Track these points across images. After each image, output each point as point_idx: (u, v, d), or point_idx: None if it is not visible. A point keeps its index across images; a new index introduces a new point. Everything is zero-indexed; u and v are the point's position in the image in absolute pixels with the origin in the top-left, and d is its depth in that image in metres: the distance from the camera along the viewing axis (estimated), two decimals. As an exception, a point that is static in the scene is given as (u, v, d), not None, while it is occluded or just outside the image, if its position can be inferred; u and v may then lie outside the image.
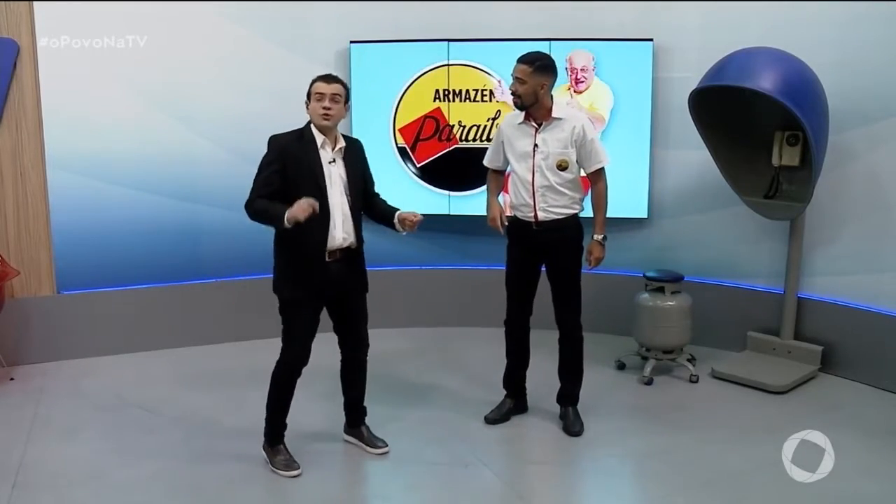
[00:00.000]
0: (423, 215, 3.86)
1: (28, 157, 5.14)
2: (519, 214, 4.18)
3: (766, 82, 4.45)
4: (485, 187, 4.41)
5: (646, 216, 5.59)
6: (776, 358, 5.10)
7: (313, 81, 3.75)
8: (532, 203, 4.09)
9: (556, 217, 4.10)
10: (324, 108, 3.67)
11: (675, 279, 5.02)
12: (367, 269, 3.98)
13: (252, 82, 5.46)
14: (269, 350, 3.98)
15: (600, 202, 4.17)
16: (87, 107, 5.20)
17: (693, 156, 5.29)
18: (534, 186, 4.07)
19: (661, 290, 5.00)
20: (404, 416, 4.49)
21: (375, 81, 5.64)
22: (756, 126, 4.97)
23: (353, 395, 4.12)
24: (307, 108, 3.75)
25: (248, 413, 4.20)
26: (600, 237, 4.17)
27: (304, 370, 3.83)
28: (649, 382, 4.92)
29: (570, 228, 4.15)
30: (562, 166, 4.05)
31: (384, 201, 4.00)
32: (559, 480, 3.95)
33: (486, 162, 4.33)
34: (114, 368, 5.22)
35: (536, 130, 4.07)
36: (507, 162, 4.24)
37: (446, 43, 5.55)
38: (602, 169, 4.14)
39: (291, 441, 3.98)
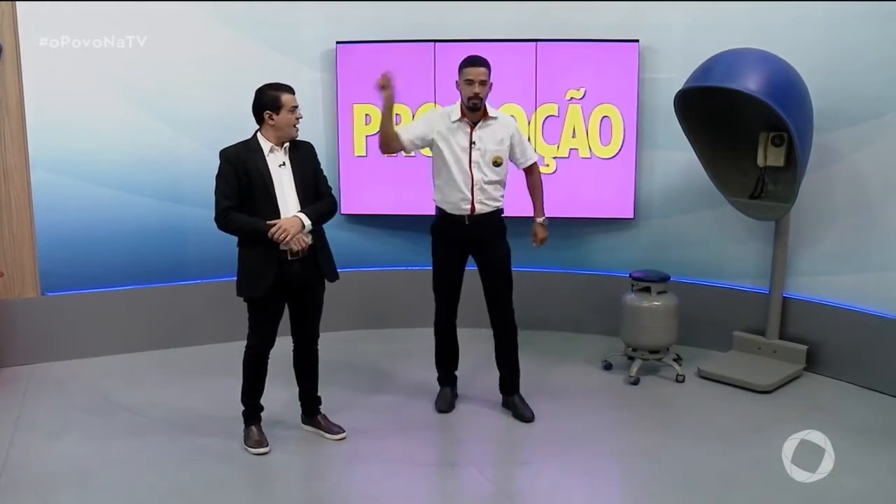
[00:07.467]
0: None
1: (11, 158, 5.10)
2: (451, 209, 4.31)
3: (751, 83, 4.47)
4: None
5: (632, 216, 5.61)
6: (762, 357, 5.13)
7: (281, 93, 3.85)
8: (470, 196, 4.26)
9: (489, 210, 4.31)
10: (297, 118, 3.87)
11: (661, 279, 5.03)
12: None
13: (238, 83, 5.35)
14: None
15: (537, 189, 4.49)
16: (71, 107, 5.16)
17: (679, 156, 5.31)
18: (472, 180, 4.24)
19: (647, 290, 5.01)
20: (392, 417, 4.49)
21: (361, 82, 5.62)
22: (741, 127, 4.98)
23: (307, 384, 4.26)
24: (268, 118, 3.84)
25: (235, 414, 4.19)
26: (542, 219, 4.47)
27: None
28: (636, 382, 4.94)
29: (499, 220, 4.39)
30: (497, 162, 4.28)
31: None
32: (545, 480, 3.95)
33: (401, 131, 4.26)
34: (99, 370, 5.19)
35: (472, 128, 4.22)
36: (416, 146, 4.33)
37: (432, 44, 5.55)
38: (535, 163, 4.47)
39: (284, 441, 4.04)
